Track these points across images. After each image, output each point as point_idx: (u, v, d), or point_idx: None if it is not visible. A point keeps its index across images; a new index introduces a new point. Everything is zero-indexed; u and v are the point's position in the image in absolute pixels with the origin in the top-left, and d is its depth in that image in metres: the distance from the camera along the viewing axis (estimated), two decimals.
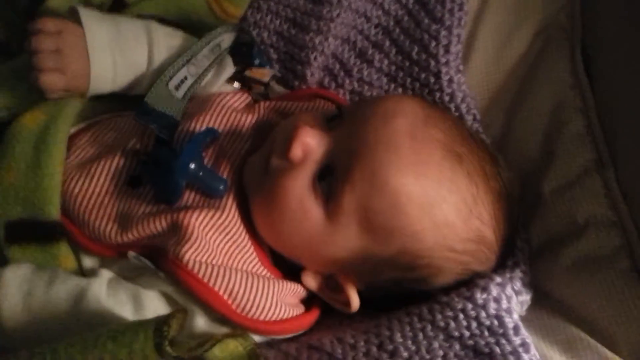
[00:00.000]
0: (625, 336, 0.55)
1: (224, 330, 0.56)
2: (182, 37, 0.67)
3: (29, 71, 0.59)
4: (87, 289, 0.55)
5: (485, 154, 0.59)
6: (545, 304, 0.60)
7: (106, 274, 0.57)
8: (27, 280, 0.55)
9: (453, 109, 0.69)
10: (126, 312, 0.55)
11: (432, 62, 0.69)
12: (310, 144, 0.56)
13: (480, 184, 0.56)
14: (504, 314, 0.54)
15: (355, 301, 0.58)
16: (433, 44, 0.69)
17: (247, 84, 0.70)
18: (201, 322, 0.56)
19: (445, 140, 0.56)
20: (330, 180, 0.55)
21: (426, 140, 0.55)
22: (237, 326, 0.56)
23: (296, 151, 0.55)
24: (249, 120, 0.65)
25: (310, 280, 0.59)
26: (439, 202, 0.54)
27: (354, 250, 0.56)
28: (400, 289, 0.58)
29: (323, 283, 0.59)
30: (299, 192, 0.55)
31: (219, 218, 0.57)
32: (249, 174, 0.60)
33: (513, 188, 0.60)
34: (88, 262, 0.60)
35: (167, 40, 0.66)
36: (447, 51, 0.68)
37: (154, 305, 0.56)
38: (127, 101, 0.69)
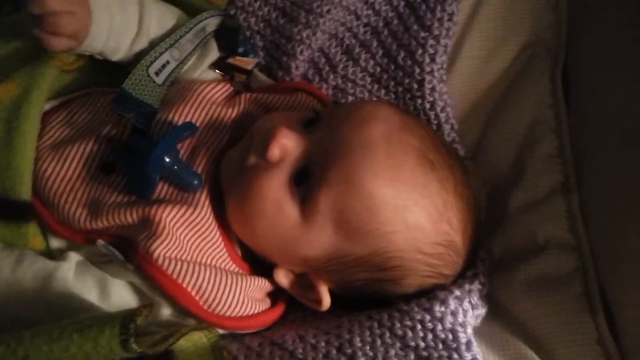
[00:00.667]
0: (569, 359, 0.58)
1: (189, 321, 0.57)
2: (175, 12, 0.67)
3: (37, 29, 0.55)
4: (55, 271, 0.56)
5: (455, 163, 0.61)
6: (499, 317, 0.63)
7: (74, 257, 0.58)
8: None
9: (432, 116, 0.70)
10: (92, 297, 0.56)
11: (417, 69, 0.69)
12: (287, 145, 0.57)
13: (450, 190, 0.58)
14: (459, 328, 0.56)
15: (326, 300, 0.60)
16: (420, 51, 0.69)
17: (229, 72, 0.70)
18: (167, 313, 0.57)
19: (420, 147, 0.57)
20: (306, 181, 0.56)
21: (401, 145, 0.57)
22: (203, 321, 0.57)
23: (273, 152, 0.56)
24: (228, 113, 0.65)
25: (282, 278, 0.61)
26: (411, 206, 0.56)
27: (328, 250, 0.57)
28: (371, 289, 0.60)
29: (295, 280, 0.61)
30: (275, 192, 0.56)
31: (191, 214, 0.58)
32: (226, 169, 0.60)
33: (480, 196, 0.63)
34: (56, 244, 0.60)
35: (159, 12, 0.65)
36: (432, 60, 0.69)
37: (121, 293, 0.57)
38: (105, 75, 0.68)
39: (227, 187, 0.60)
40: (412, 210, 0.56)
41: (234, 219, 0.59)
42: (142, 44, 0.64)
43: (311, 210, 0.56)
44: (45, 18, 0.55)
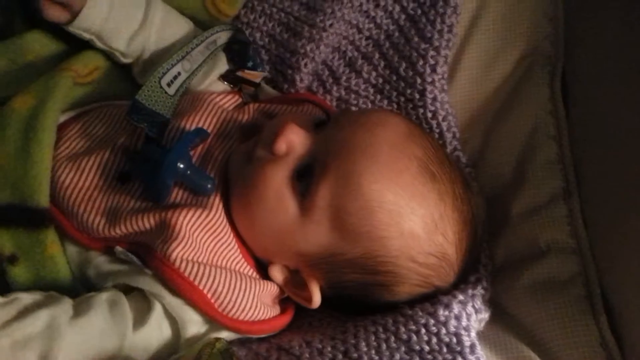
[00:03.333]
0: None
1: (206, 329, 0.59)
2: (180, 18, 0.70)
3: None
4: (122, 348, 0.56)
5: (457, 178, 0.62)
6: (502, 321, 0.64)
7: (130, 319, 0.57)
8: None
9: (434, 125, 0.71)
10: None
11: (419, 80, 0.71)
12: (294, 140, 0.59)
13: (448, 203, 0.59)
14: (462, 332, 0.57)
15: (316, 297, 0.60)
16: (421, 62, 0.71)
17: (237, 84, 0.72)
18: (193, 327, 0.58)
19: (423, 157, 0.58)
20: (308, 177, 0.58)
21: (404, 152, 0.58)
22: (218, 325, 0.58)
23: (280, 145, 0.58)
24: (237, 121, 0.67)
25: (277, 274, 0.61)
26: (408, 213, 0.57)
27: (322, 247, 0.58)
28: (362, 292, 0.61)
29: (289, 277, 0.62)
30: (278, 184, 0.58)
31: (207, 216, 0.59)
32: (235, 161, 0.62)
33: (480, 212, 0.64)
34: (74, 252, 0.62)
35: (164, 13, 0.68)
36: (433, 71, 0.71)
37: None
38: (118, 89, 0.70)
39: (233, 177, 0.62)
40: (408, 218, 0.57)
41: (236, 209, 0.60)
42: (144, 38, 0.67)
43: (309, 205, 0.57)
44: None
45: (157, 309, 0.58)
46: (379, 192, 0.56)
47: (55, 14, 0.62)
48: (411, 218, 0.57)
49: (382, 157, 0.57)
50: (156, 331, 0.58)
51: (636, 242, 0.59)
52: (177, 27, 0.70)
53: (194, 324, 0.58)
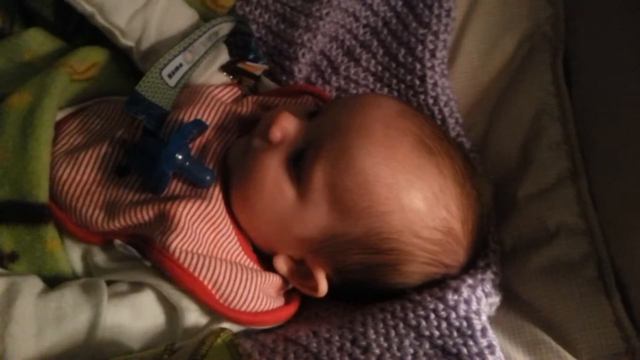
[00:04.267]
0: (586, 342, 0.58)
1: (207, 320, 0.58)
2: (186, 7, 0.70)
3: None
4: (98, 321, 0.55)
5: (457, 155, 0.61)
6: (514, 305, 0.63)
7: (105, 294, 0.57)
8: (35, 317, 0.55)
9: (436, 111, 0.70)
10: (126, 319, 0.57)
11: (418, 66, 0.70)
12: (287, 127, 0.59)
13: (449, 177, 0.58)
14: (473, 315, 0.56)
15: (322, 285, 0.59)
16: (419, 47, 0.70)
17: (237, 76, 0.71)
18: (193, 318, 0.57)
19: (418, 133, 0.58)
20: (303, 162, 0.57)
21: (399, 129, 0.57)
22: (220, 316, 0.57)
23: (275, 133, 0.59)
24: (236, 113, 0.66)
25: (281, 264, 0.61)
26: (406, 187, 0.56)
27: (323, 230, 0.57)
28: (371, 275, 0.59)
29: (294, 268, 0.61)
30: (274, 170, 0.58)
31: (205, 208, 0.59)
32: (233, 153, 0.62)
33: (484, 191, 0.62)
34: (74, 247, 0.61)
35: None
36: (432, 55, 0.70)
37: (150, 310, 0.58)
38: (116, 85, 0.70)
39: (232, 169, 0.61)
40: (407, 191, 0.56)
41: (236, 201, 0.60)
42: (146, 18, 0.66)
43: (306, 188, 0.57)
44: None
45: (147, 294, 0.57)
46: (374, 166, 0.55)
47: None
48: (410, 191, 0.56)
49: (376, 135, 0.56)
50: (143, 315, 0.57)
51: None
52: (182, 14, 0.70)
53: (192, 312, 0.57)
